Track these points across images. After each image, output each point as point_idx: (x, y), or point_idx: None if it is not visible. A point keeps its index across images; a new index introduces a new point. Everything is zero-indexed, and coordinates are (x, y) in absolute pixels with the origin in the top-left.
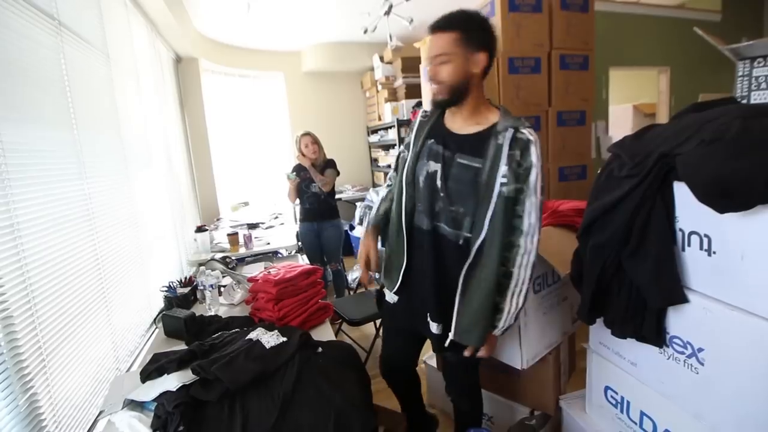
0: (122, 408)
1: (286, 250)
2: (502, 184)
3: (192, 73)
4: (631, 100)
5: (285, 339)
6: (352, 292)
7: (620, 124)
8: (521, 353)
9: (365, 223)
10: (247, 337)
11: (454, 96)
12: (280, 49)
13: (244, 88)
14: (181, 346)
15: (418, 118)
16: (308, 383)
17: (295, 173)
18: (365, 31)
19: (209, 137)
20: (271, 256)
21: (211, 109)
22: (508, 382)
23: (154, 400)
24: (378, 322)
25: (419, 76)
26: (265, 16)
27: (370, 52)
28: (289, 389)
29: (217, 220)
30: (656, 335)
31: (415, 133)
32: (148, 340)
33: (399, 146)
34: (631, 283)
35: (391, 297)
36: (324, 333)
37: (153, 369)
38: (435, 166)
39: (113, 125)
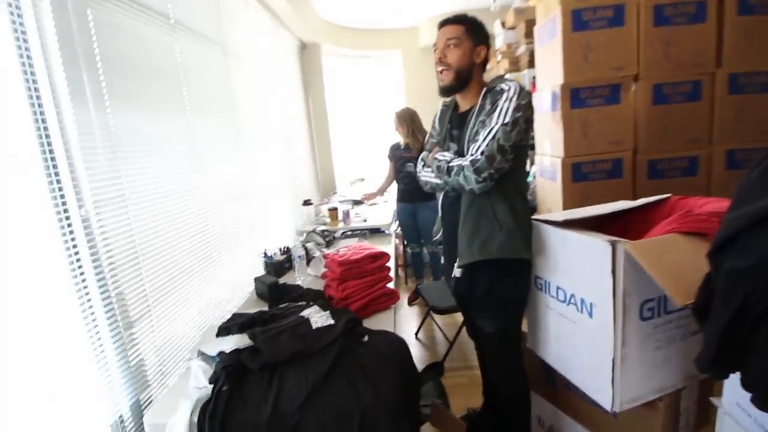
0: (197, 356)
1: (388, 229)
2: (473, 129)
3: (314, 58)
4: None
5: (332, 322)
6: None
7: None
8: (613, 391)
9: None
10: (300, 314)
11: (459, 82)
12: (398, 26)
13: (363, 69)
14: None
15: (440, 108)
16: (342, 374)
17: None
18: None
19: (329, 117)
20: (366, 232)
21: (331, 90)
22: (604, 420)
23: (216, 356)
24: None
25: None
26: None
27: (489, 20)
28: (321, 375)
29: (333, 194)
30: None
31: (438, 120)
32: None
33: None
34: None
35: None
36: (385, 320)
37: (225, 327)
38: (453, 146)
39: (227, 109)
